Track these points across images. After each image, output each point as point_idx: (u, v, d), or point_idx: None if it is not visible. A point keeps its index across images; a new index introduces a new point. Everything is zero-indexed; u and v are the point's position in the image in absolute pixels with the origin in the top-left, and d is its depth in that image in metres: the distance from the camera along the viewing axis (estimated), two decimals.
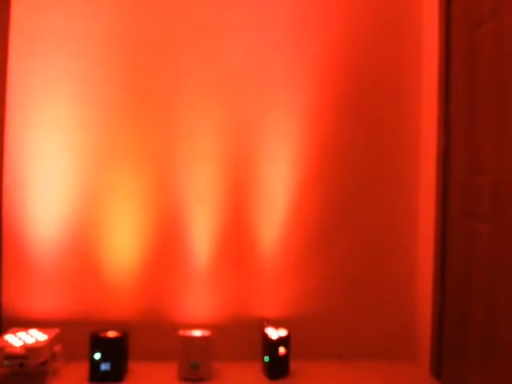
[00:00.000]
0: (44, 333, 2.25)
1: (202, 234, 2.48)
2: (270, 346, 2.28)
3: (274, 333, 2.32)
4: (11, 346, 2.11)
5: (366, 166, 2.53)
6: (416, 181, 2.53)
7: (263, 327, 2.37)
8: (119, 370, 2.23)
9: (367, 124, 2.52)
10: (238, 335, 2.46)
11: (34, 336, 2.22)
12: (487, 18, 1.92)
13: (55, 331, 2.29)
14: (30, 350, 2.10)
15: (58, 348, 2.27)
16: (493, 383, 1.85)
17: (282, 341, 2.29)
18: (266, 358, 2.30)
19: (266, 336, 2.32)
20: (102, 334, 2.25)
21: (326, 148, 2.51)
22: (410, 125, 2.53)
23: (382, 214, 2.53)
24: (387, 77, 2.53)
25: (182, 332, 2.28)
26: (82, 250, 2.46)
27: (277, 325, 2.38)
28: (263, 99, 2.48)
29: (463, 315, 2.09)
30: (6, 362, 2.10)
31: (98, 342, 2.23)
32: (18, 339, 2.18)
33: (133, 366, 2.32)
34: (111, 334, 2.26)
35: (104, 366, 2.21)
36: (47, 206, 2.44)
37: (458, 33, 2.19)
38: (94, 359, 2.21)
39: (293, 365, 2.33)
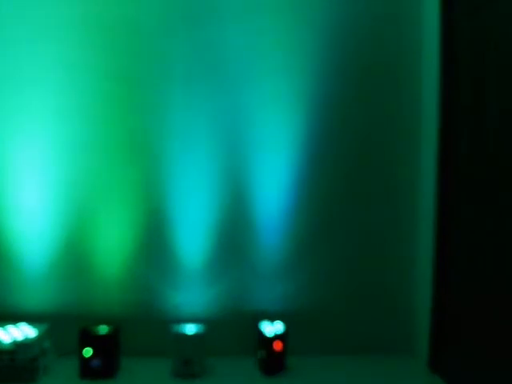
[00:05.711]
0: (33, 328, 2.23)
1: (195, 227, 2.45)
2: (265, 342, 2.26)
3: (269, 329, 2.29)
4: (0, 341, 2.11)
5: (365, 158, 2.50)
6: (416, 170, 2.50)
7: (258, 322, 2.35)
8: (110, 367, 2.20)
9: (366, 109, 2.47)
10: (233, 330, 2.45)
11: (24, 331, 2.20)
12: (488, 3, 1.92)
13: (45, 326, 2.27)
14: (19, 346, 2.10)
15: (47, 344, 2.26)
16: (491, 377, 1.88)
17: (277, 337, 2.27)
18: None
19: (261, 333, 2.30)
20: (93, 330, 2.21)
21: (323, 135, 2.47)
22: (411, 111, 2.49)
23: (381, 208, 2.51)
24: (386, 60, 2.47)
25: (175, 328, 2.26)
26: (72, 243, 2.42)
27: (273, 319, 2.36)
28: (257, 86, 2.44)
29: (461, 309, 2.13)
30: None
31: (87, 339, 2.18)
32: (6, 334, 2.17)
33: (125, 362, 2.30)
34: (102, 328, 2.22)
35: (95, 363, 2.17)
36: (34, 198, 2.41)
37: (460, 17, 2.17)
38: (84, 356, 2.17)
39: (289, 360, 2.32)
